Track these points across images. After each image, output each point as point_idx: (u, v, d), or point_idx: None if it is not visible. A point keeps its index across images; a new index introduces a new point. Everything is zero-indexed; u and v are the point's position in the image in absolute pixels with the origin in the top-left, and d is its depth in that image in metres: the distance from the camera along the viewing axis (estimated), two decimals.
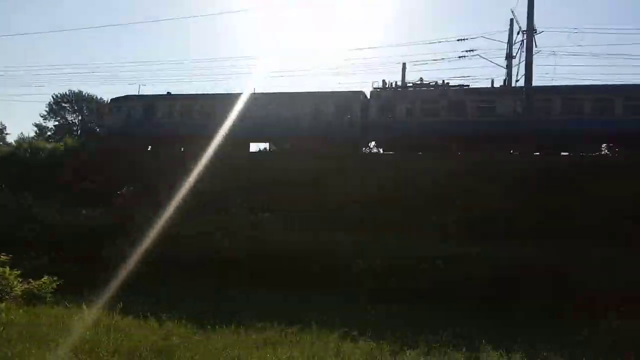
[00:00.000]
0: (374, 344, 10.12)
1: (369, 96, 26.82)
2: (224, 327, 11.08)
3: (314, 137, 25.82)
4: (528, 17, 24.82)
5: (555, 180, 19.18)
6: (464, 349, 9.66)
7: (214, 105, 27.78)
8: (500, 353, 9.32)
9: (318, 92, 27.85)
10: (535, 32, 24.87)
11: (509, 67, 32.90)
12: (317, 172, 21.30)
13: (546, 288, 13.71)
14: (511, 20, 32.01)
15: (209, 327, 11.06)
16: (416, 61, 67.32)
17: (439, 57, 55.16)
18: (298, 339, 10.37)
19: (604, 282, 13.31)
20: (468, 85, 26.98)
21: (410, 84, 27.60)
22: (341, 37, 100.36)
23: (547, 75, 49.48)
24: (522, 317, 12.95)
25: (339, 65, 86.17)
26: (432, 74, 63.88)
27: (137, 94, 33.62)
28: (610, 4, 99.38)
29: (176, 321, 11.23)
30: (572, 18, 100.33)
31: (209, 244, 17.18)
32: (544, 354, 9.43)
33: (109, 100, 33.07)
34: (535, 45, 24.94)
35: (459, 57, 32.96)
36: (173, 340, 9.69)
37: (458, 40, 33.61)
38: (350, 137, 26.27)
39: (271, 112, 26.98)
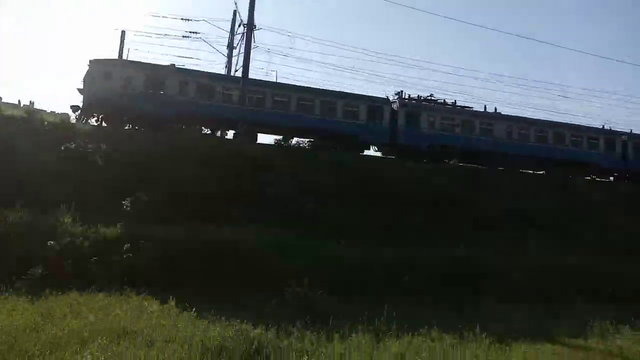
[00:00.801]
0: None
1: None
2: None
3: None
4: (249, 13, 26.32)
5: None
6: None
7: None
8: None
9: (349, 93, 29.41)
10: (255, 28, 26.55)
11: (229, 57, 34.41)
12: None
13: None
14: (234, 11, 33.63)
15: None
16: (138, 31, 64.08)
17: (163, 33, 54.00)
18: None
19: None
20: (472, 108, 31.40)
21: (422, 98, 30.73)
22: None
23: (262, 69, 53.68)
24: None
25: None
26: (156, 49, 61.86)
27: None
28: (321, 17, 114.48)
29: None
30: (289, 23, 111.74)
31: None
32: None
33: None
34: (254, 41, 26.71)
35: (183, 36, 32.80)
36: None
37: (182, 19, 33.37)
38: (380, 141, 28.80)
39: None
